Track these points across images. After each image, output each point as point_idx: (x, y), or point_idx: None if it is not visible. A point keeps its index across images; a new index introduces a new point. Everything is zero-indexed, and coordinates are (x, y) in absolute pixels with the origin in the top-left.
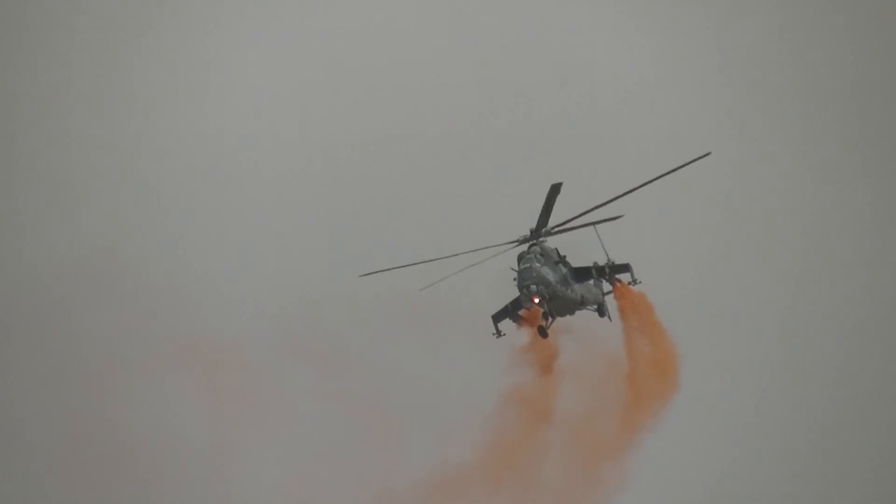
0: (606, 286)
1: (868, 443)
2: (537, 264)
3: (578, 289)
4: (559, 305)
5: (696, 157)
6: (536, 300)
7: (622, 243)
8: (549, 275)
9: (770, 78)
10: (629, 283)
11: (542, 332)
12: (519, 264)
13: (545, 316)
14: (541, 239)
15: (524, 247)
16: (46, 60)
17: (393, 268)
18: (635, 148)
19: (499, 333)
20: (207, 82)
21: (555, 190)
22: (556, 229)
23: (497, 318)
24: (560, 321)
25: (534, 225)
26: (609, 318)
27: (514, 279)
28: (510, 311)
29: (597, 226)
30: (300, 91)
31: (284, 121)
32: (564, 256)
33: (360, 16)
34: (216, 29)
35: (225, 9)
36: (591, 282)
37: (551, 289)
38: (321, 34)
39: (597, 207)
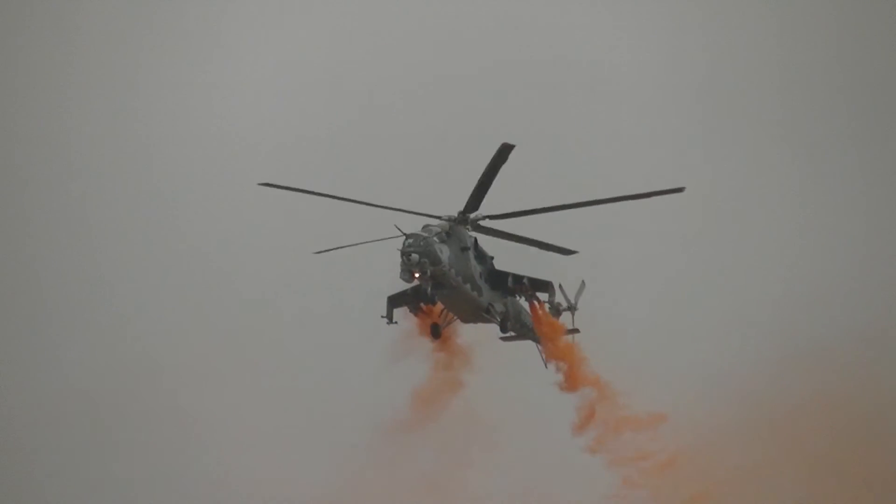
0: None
1: None
2: (433, 237)
3: (489, 294)
4: (456, 302)
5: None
6: (417, 275)
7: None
8: (442, 254)
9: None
10: (551, 307)
11: (436, 330)
12: None
13: (444, 313)
14: (467, 226)
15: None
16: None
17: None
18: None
19: (390, 320)
20: None
21: (502, 154)
22: (491, 223)
23: (394, 301)
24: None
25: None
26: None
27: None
28: (410, 298)
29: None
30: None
31: None
32: (492, 258)
33: (357, 14)
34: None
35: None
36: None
37: (439, 269)
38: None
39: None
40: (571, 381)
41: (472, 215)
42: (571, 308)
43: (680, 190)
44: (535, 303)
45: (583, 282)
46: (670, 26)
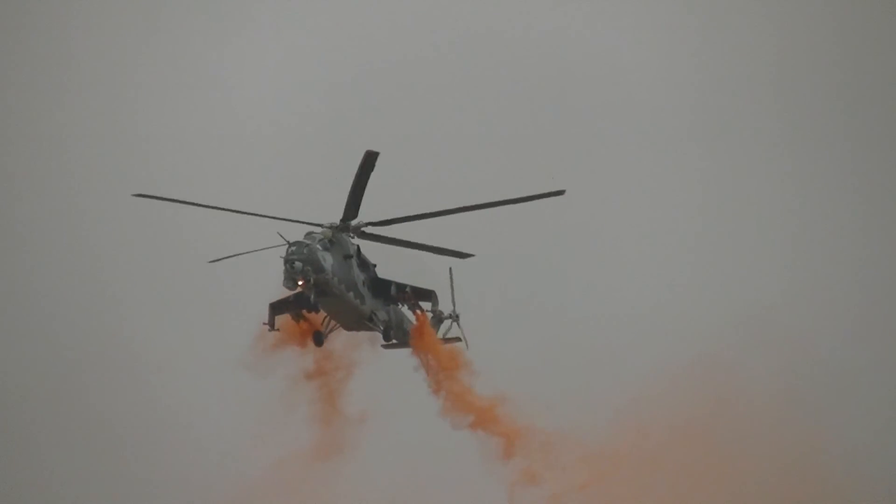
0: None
1: None
2: (316, 245)
3: (371, 302)
4: (339, 310)
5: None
6: (301, 282)
7: None
8: (325, 262)
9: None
10: (433, 315)
11: (319, 338)
12: None
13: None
14: (349, 233)
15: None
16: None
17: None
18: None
19: (272, 327)
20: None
21: (369, 162)
22: (372, 229)
23: (277, 308)
24: None
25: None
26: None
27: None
28: (292, 305)
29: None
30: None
31: None
32: (374, 266)
33: (357, 13)
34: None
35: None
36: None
37: (323, 277)
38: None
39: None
40: (451, 400)
41: (354, 222)
42: (454, 317)
43: (560, 192)
44: (418, 312)
45: (450, 269)
46: (668, 26)
